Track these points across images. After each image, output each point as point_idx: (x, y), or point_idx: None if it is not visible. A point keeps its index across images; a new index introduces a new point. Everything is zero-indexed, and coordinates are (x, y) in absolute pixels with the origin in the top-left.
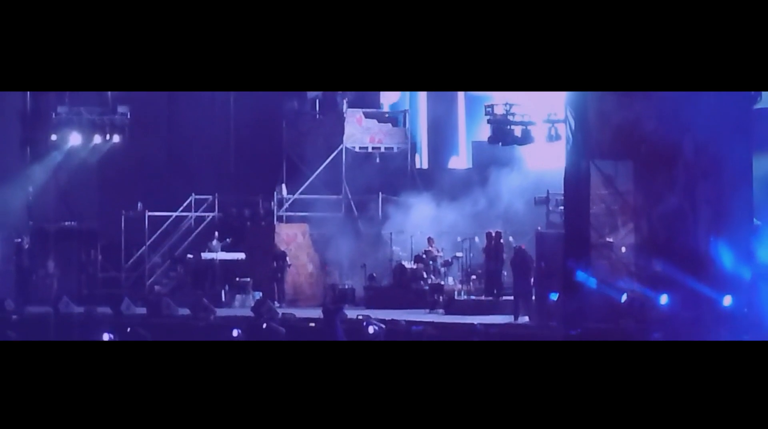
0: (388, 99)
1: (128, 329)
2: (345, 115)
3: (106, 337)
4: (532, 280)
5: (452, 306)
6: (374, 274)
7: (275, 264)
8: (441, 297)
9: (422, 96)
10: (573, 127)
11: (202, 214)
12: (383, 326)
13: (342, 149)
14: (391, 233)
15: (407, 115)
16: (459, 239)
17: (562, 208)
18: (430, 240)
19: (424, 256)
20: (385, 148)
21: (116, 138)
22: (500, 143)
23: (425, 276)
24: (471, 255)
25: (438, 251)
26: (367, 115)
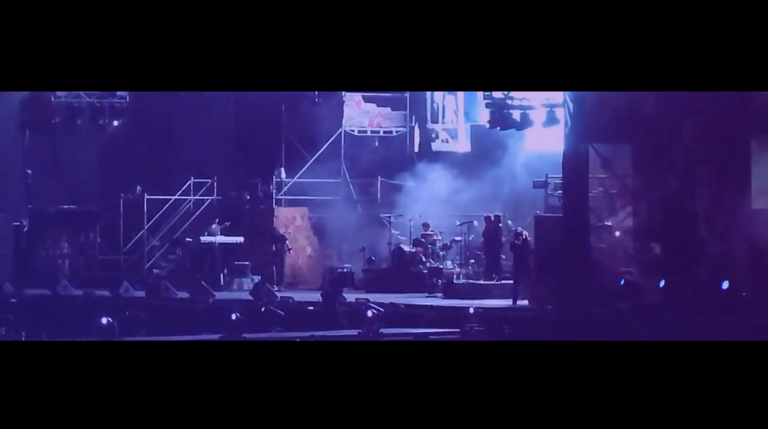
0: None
1: (126, 312)
2: (344, 99)
3: (104, 320)
4: (531, 263)
5: (451, 289)
6: (373, 258)
7: (274, 247)
8: (440, 280)
9: None
10: (571, 111)
11: (201, 197)
12: (382, 310)
13: (341, 133)
14: (390, 217)
15: (407, 98)
16: (458, 223)
17: (560, 191)
18: (425, 225)
19: (422, 239)
20: (384, 132)
21: (115, 122)
22: (499, 128)
23: (424, 259)
24: (470, 238)
25: (437, 235)
26: (366, 99)
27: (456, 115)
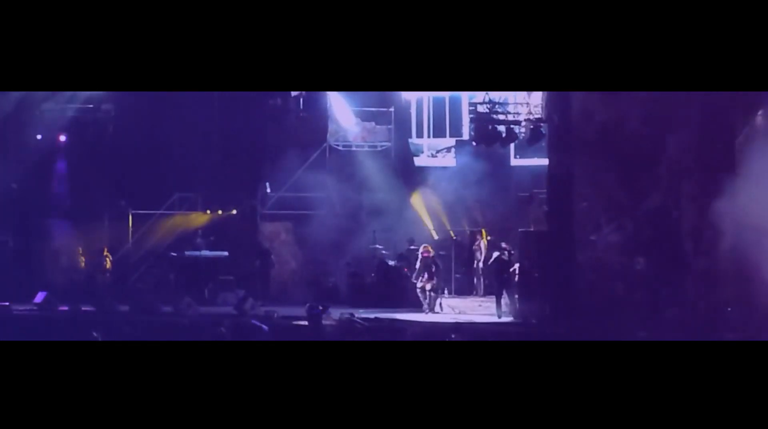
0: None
1: (111, 327)
2: (329, 113)
3: (94, 334)
4: (516, 278)
5: (436, 305)
6: (357, 272)
7: (258, 262)
8: (425, 295)
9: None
10: (556, 125)
11: (186, 212)
12: (366, 324)
13: (326, 147)
14: (374, 231)
15: (392, 113)
16: (443, 237)
17: (545, 206)
18: (411, 241)
19: (407, 254)
20: (369, 146)
21: (100, 135)
22: (483, 143)
23: (408, 274)
24: (454, 253)
25: (421, 250)
26: (351, 113)
27: (441, 130)
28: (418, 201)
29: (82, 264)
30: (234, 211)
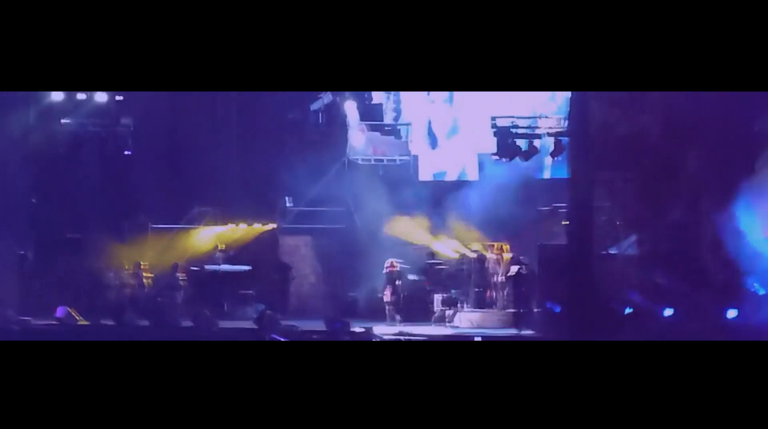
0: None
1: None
2: (348, 127)
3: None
4: (535, 292)
5: (456, 319)
6: (377, 286)
7: (278, 276)
8: (445, 310)
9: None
10: (576, 139)
11: (205, 225)
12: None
13: (345, 161)
14: (394, 245)
15: (410, 127)
16: (462, 252)
17: (565, 220)
18: (430, 255)
19: (427, 268)
20: (388, 160)
21: (119, 149)
22: (505, 157)
23: (429, 288)
24: (473, 267)
25: (440, 264)
26: (370, 128)
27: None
28: (437, 214)
29: (117, 278)
30: (255, 225)
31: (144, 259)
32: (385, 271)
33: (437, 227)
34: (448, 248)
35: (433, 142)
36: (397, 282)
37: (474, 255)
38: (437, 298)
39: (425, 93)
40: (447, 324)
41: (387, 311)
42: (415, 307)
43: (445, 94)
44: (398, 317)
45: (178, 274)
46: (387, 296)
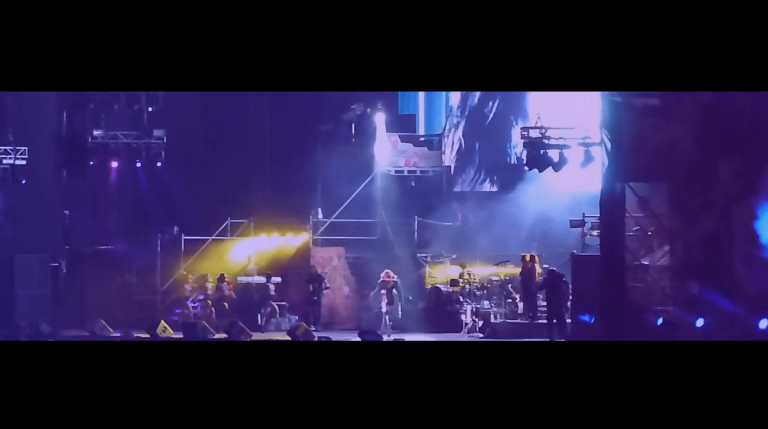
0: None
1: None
2: (380, 138)
3: None
4: (568, 303)
5: (488, 329)
6: (410, 297)
7: (311, 287)
8: (477, 320)
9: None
10: (608, 149)
11: (239, 237)
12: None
13: (377, 172)
14: (426, 256)
15: (442, 138)
16: (495, 263)
17: (597, 231)
18: (462, 265)
19: (459, 279)
20: (421, 172)
21: (152, 162)
22: (535, 168)
23: (461, 299)
24: (507, 278)
25: (471, 275)
26: (402, 139)
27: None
28: (469, 225)
29: (134, 289)
30: (287, 236)
31: (176, 270)
32: (380, 281)
33: (469, 238)
34: (480, 259)
35: (466, 153)
36: (393, 292)
37: (506, 266)
38: (469, 308)
39: (456, 104)
40: (479, 335)
41: (383, 321)
42: (445, 319)
43: (478, 105)
44: (391, 324)
45: (224, 285)
46: (383, 306)
